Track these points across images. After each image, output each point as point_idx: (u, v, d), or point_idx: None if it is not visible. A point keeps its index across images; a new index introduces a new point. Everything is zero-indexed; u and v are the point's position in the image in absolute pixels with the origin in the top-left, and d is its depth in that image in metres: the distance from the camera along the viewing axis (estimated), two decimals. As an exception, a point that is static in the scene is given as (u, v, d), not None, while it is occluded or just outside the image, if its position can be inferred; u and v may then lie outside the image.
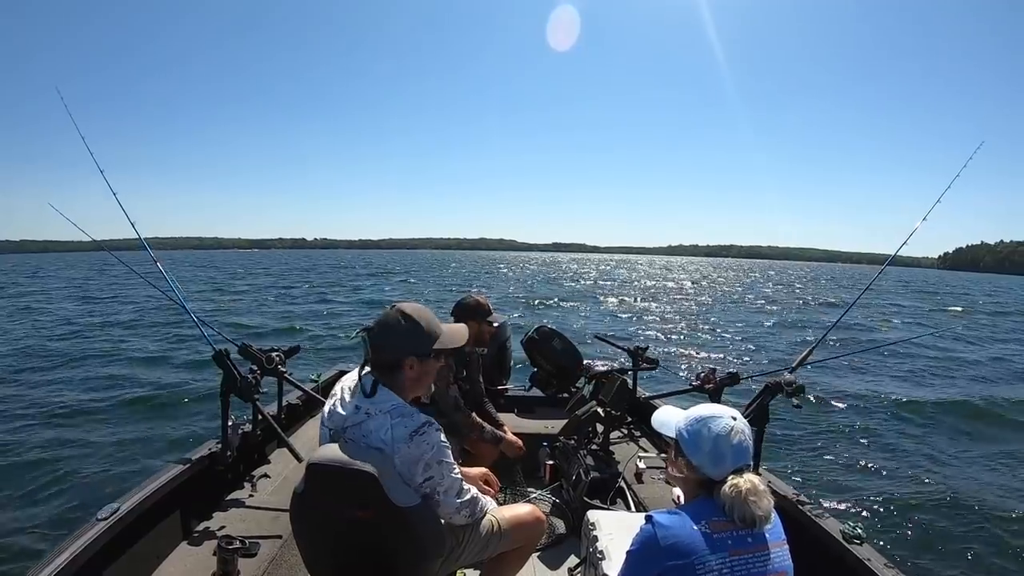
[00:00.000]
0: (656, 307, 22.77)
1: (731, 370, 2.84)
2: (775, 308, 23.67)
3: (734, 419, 1.27)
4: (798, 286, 43.00)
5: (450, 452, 1.56)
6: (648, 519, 1.22)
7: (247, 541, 1.95)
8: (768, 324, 17.93)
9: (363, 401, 1.51)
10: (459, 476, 1.60)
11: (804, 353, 2.64)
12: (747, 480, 1.20)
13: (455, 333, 1.68)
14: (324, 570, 1.56)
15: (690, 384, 2.99)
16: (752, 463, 1.26)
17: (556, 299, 23.39)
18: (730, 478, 1.21)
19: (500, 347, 3.79)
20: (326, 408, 1.59)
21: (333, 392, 1.62)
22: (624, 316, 19.51)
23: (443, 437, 1.53)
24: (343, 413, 1.52)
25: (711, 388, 2.79)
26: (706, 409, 1.31)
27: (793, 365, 2.57)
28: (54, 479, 4.85)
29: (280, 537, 2.15)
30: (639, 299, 26.47)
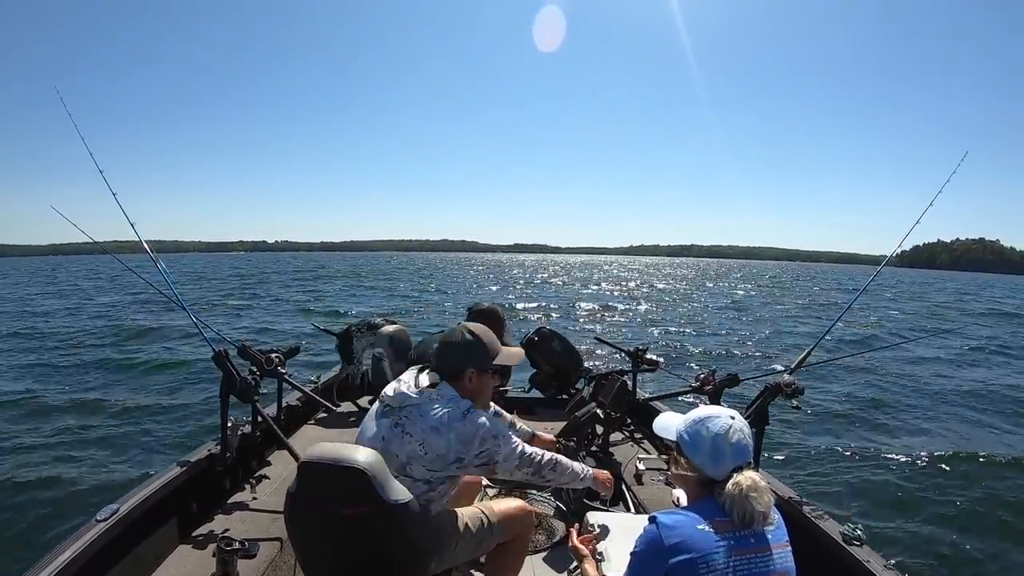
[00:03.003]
0: (643, 308, 22.73)
1: (730, 371, 2.84)
2: (764, 307, 23.69)
3: (732, 418, 1.29)
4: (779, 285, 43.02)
5: (504, 427, 1.76)
6: (652, 519, 1.23)
7: (246, 542, 1.95)
8: (758, 324, 17.93)
9: (429, 390, 1.67)
10: (516, 444, 1.73)
11: (803, 355, 2.65)
12: (747, 477, 1.21)
13: (511, 354, 1.84)
14: (319, 570, 1.56)
15: (690, 385, 2.99)
16: (753, 462, 1.28)
17: (540, 303, 23.28)
18: (733, 475, 1.22)
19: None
20: (390, 388, 1.72)
21: (401, 377, 1.76)
22: (611, 318, 19.52)
23: (492, 420, 1.70)
24: (408, 393, 1.66)
25: (710, 389, 2.79)
26: (704, 411, 1.34)
27: (792, 366, 2.57)
28: (53, 480, 4.84)
29: (279, 539, 2.15)
30: (626, 300, 26.48)
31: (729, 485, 1.21)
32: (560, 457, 1.85)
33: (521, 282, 37.96)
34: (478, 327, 1.76)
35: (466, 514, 1.77)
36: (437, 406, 1.63)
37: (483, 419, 1.65)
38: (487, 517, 1.81)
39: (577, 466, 1.89)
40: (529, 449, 1.77)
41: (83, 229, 3.29)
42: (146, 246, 2.98)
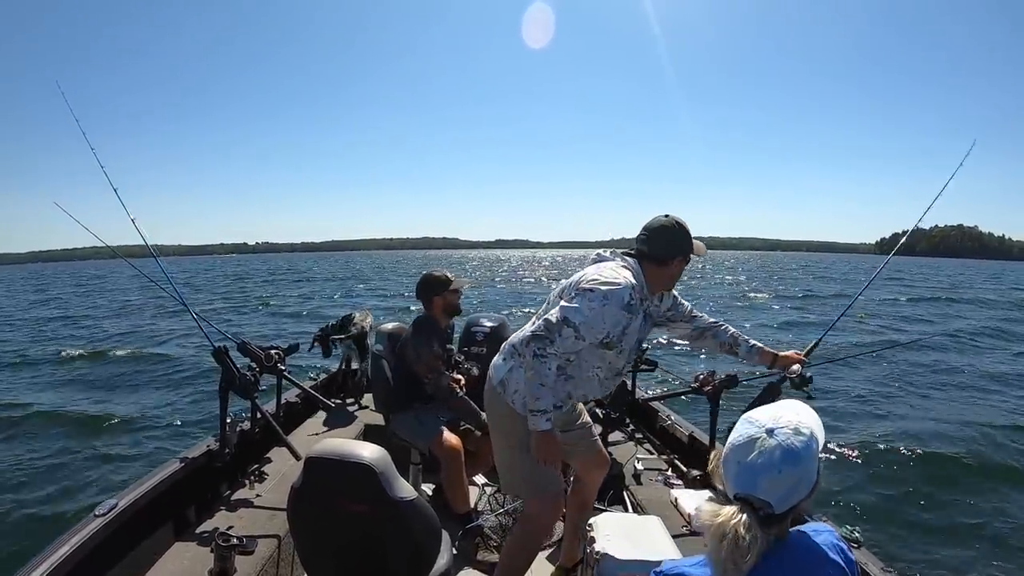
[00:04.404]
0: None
1: (730, 372, 2.81)
2: (757, 302, 23.62)
3: (770, 433, 0.87)
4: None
5: (599, 320, 1.70)
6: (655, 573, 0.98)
7: (244, 539, 1.95)
8: (753, 320, 17.88)
9: (624, 258, 1.86)
10: (577, 337, 1.70)
11: (810, 346, 2.61)
12: (726, 514, 0.83)
13: (701, 246, 1.92)
14: (321, 566, 1.56)
15: (689, 386, 2.98)
16: (770, 500, 0.85)
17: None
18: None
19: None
20: (593, 253, 1.97)
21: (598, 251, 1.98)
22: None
23: (621, 313, 1.72)
24: (604, 254, 1.90)
25: (710, 390, 2.76)
26: (762, 409, 0.93)
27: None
28: (52, 475, 4.85)
29: (277, 536, 2.15)
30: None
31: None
32: (548, 390, 1.71)
33: (514, 279, 37.96)
34: (683, 219, 1.84)
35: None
36: (615, 266, 1.79)
37: (610, 296, 1.68)
38: (535, 471, 1.84)
39: (544, 400, 1.70)
40: (563, 350, 1.71)
41: (85, 225, 3.27)
42: (143, 237, 2.96)
